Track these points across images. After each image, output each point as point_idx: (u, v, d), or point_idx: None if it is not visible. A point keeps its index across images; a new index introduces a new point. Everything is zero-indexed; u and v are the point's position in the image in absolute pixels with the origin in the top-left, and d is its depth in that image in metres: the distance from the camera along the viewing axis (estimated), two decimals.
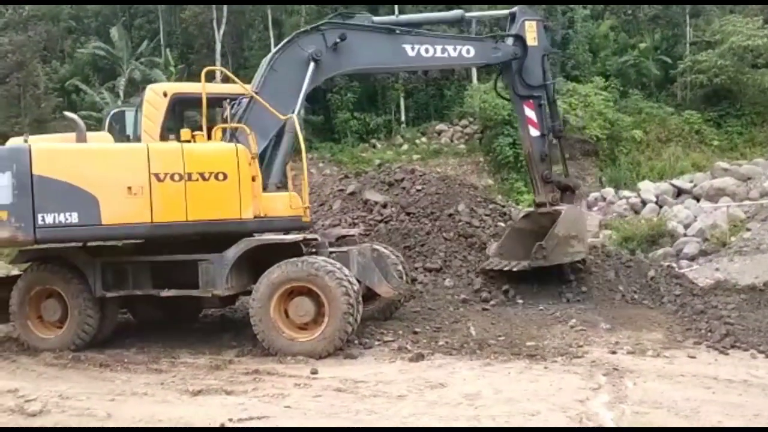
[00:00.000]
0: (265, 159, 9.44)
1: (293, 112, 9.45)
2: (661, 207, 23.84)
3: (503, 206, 13.97)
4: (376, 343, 8.75)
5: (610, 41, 40.23)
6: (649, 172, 30.96)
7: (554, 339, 8.72)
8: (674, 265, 15.17)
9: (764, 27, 34.93)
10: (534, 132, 11.08)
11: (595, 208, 25.78)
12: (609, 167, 32.88)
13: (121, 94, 34.70)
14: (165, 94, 9.51)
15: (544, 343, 8.48)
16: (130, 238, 9.18)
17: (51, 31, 38.46)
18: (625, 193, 26.48)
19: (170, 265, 8.93)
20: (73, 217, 8.13)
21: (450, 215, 12.51)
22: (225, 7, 36.51)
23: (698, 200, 23.95)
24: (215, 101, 9.49)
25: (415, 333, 9.14)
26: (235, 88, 9.94)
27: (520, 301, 10.70)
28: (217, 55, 35.17)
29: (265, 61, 9.95)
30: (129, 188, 8.32)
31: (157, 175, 8.43)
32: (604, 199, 26.44)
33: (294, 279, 8.30)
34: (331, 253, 8.99)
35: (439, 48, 10.53)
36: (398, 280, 9.86)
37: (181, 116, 10.06)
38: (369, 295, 9.20)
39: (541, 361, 7.72)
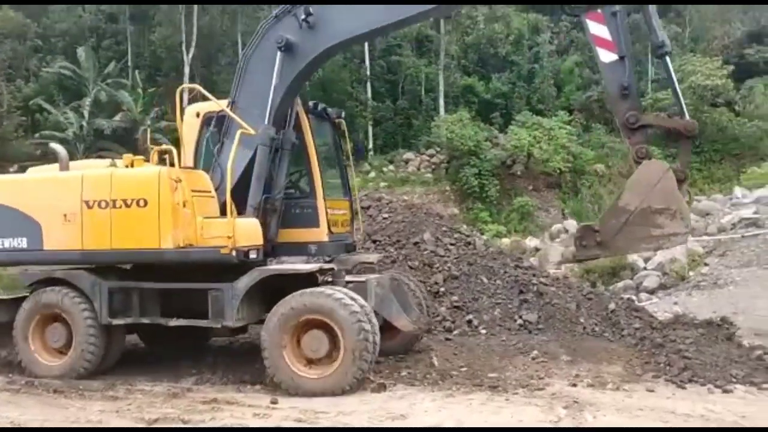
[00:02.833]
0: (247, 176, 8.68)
1: (265, 120, 8.62)
2: None
3: (468, 236, 14.04)
4: None
5: (574, 77, 41.15)
6: None
7: (516, 370, 8.74)
8: (634, 298, 15.39)
9: (723, 68, 36.08)
10: (606, 56, 8.03)
11: (558, 240, 26.11)
12: (571, 200, 33.40)
13: (86, 114, 34.36)
14: (198, 115, 9.26)
15: (505, 375, 8.50)
16: (66, 264, 9.03)
17: (17, 50, 38.05)
18: None
19: (179, 293, 8.57)
20: (23, 242, 8.83)
21: (416, 244, 12.54)
22: (195, 30, 36.51)
23: None
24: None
25: (378, 363, 9.08)
26: None
27: (483, 331, 10.71)
28: (186, 79, 35.03)
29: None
30: (65, 215, 8.58)
31: (87, 202, 8.47)
32: (567, 231, 26.77)
33: (312, 311, 7.81)
34: (348, 283, 8.56)
35: None
36: (417, 312, 9.39)
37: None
38: (386, 327, 8.66)
39: (503, 393, 7.72)
